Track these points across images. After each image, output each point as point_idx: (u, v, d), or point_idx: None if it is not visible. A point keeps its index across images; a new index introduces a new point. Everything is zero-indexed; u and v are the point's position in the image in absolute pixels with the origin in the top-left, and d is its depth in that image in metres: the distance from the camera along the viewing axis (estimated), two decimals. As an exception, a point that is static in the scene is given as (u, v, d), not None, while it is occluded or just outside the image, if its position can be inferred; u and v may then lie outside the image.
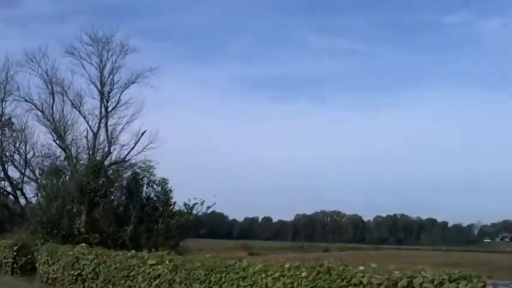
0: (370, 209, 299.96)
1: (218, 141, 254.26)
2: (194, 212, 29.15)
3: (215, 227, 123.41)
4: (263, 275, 12.77)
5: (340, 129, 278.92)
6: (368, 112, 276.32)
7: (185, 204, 28.90)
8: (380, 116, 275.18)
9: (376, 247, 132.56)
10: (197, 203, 28.82)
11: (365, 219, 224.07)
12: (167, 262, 15.97)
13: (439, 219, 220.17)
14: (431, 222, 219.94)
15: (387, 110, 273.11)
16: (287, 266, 12.68)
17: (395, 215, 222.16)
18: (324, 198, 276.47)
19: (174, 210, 29.00)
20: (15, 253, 25.95)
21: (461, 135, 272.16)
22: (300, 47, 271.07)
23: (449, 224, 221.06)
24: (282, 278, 12.26)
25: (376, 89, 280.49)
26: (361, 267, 11.32)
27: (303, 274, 11.84)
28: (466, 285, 8.96)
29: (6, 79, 41.28)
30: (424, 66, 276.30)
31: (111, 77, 40.88)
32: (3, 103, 41.92)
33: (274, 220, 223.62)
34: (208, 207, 29.15)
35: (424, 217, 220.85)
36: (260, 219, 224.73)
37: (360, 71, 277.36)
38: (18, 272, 25.48)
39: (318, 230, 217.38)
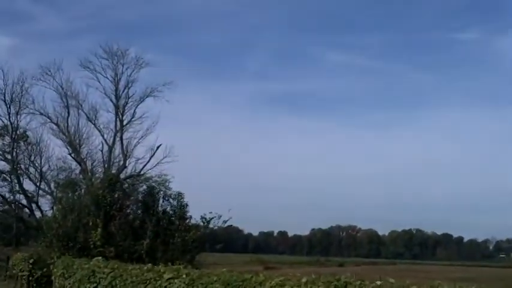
0: (385, 223, 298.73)
1: (233, 157, 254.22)
2: (210, 226, 29.18)
3: (231, 241, 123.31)
4: (280, 289, 12.69)
5: (357, 147, 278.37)
6: (384, 130, 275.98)
7: (202, 218, 28.96)
8: (396, 133, 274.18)
9: (391, 262, 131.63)
10: (214, 217, 28.89)
11: (380, 233, 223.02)
12: (184, 276, 15.90)
13: (455, 235, 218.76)
14: (447, 237, 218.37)
15: (403, 127, 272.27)
16: (304, 280, 12.58)
17: (410, 230, 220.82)
18: (340, 213, 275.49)
19: (190, 224, 29.04)
20: (31, 266, 26.08)
21: (477, 153, 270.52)
22: (316, 64, 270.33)
23: (465, 239, 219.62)
24: (299, 292, 12.18)
25: (393, 106, 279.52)
26: (378, 282, 11.22)
27: (320, 289, 11.76)
28: (485, 300, 8.88)
29: (21, 92, 41.85)
30: (440, 84, 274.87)
31: (126, 90, 41.41)
32: (18, 116, 42.50)
33: (290, 234, 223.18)
34: (225, 221, 29.20)
35: (439, 232, 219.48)
36: (275, 234, 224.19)
37: (377, 88, 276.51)
38: (34, 285, 25.61)
39: (334, 244, 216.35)
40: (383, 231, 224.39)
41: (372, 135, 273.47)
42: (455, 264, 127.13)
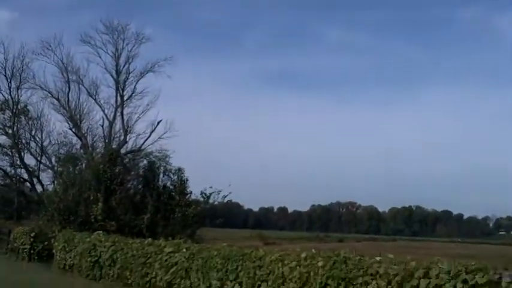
0: (385, 200, 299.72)
1: (234, 134, 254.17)
2: (210, 201, 29.29)
3: (231, 216, 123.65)
4: (280, 264, 12.75)
5: (357, 124, 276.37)
6: (385, 107, 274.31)
7: (202, 193, 29.05)
8: (396, 111, 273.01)
9: (391, 238, 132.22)
10: (214, 192, 28.98)
11: (380, 210, 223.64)
12: (184, 250, 16.02)
13: (455, 212, 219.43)
14: (447, 214, 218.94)
15: (403, 105, 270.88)
16: (303, 255, 12.65)
17: (410, 206, 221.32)
18: (340, 190, 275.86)
19: (190, 199, 29.13)
20: (32, 240, 26.24)
21: (477, 131, 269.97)
22: (316, 42, 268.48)
23: (465, 217, 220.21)
24: (298, 267, 12.24)
25: (393, 84, 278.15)
26: (378, 258, 11.27)
27: (320, 264, 11.81)
28: (483, 276, 8.90)
29: (22, 67, 41.54)
30: (440, 62, 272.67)
31: (126, 66, 41.15)
32: (19, 91, 42.24)
33: (290, 210, 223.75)
34: (225, 197, 29.30)
35: (439, 209, 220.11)
36: (275, 209, 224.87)
37: (377, 66, 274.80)
38: (36, 258, 25.77)
39: (334, 220, 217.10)
40: (383, 207, 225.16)
41: (372, 113, 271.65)
42: (455, 241, 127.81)
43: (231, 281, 13.83)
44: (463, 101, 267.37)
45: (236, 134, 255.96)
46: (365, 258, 11.50)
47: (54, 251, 24.11)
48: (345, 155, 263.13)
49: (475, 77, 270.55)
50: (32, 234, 26.43)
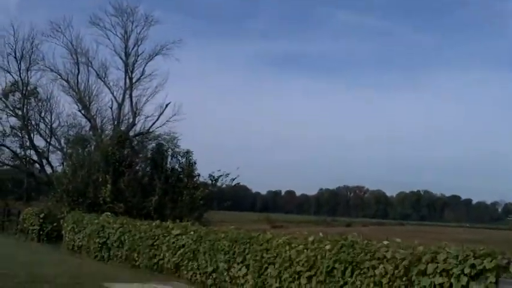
0: (393, 185, 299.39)
1: (241, 116, 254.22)
2: (218, 184, 29.34)
3: (238, 199, 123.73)
4: (287, 248, 12.76)
5: (362, 108, 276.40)
6: (391, 91, 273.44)
7: (210, 176, 29.10)
8: (402, 95, 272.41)
9: (399, 223, 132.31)
10: (221, 175, 29.03)
11: (388, 194, 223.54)
12: (191, 233, 16.06)
13: (463, 197, 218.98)
14: (455, 199, 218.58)
15: (409, 89, 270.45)
16: (311, 239, 12.65)
17: (418, 191, 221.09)
18: (347, 174, 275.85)
19: (198, 182, 29.19)
20: (41, 220, 26.40)
21: (482, 115, 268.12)
22: (322, 25, 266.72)
23: (473, 202, 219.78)
24: (305, 250, 12.24)
25: (397, 68, 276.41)
26: (385, 242, 11.25)
27: (327, 247, 11.80)
28: (491, 261, 8.84)
29: (32, 49, 41.71)
30: (444, 47, 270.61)
31: (135, 48, 41.21)
32: (29, 72, 42.42)
33: (298, 194, 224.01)
34: (232, 180, 29.35)
35: (447, 194, 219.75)
36: (283, 193, 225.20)
37: (382, 50, 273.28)
38: (45, 239, 25.95)
39: (341, 204, 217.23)
40: (391, 192, 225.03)
41: (378, 97, 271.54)
42: (463, 226, 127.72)
43: (238, 264, 13.86)
44: (471, 87, 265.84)
45: (243, 116, 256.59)
46: (372, 242, 11.48)
47: (63, 232, 24.27)
48: (351, 138, 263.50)
49: (477, 62, 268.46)
50: (41, 215, 26.59)
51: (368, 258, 10.82)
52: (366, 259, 10.82)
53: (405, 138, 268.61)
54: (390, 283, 10.18)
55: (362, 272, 10.74)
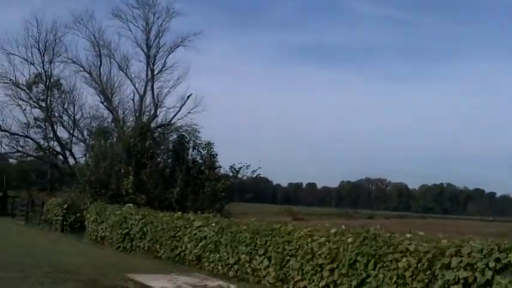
0: (415, 177, 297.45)
1: (262, 108, 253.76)
2: (239, 176, 29.34)
3: (259, 191, 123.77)
4: (309, 240, 12.72)
5: (387, 99, 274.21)
6: (414, 82, 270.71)
7: (231, 168, 29.10)
8: (425, 86, 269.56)
9: (421, 216, 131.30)
10: (243, 167, 29.02)
11: (410, 187, 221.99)
12: (213, 224, 16.07)
13: (487, 190, 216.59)
14: (479, 192, 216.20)
15: (432, 80, 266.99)
16: (333, 231, 12.60)
17: (441, 184, 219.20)
18: (369, 166, 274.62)
19: (219, 173, 29.23)
20: (64, 211, 26.67)
21: (504, 107, 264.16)
22: (346, 16, 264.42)
23: (497, 195, 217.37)
24: (327, 243, 12.19)
25: (422, 59, 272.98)
26: (408, 235, 11.17)
27: (349, 240, 11.74)
28: (516, 255, 8.75)
29: (55, 41, 42.11)
30: (469, 36, 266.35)
31: (157, 40, 41.36)
32: (52, 64, 42.79)
33: (319, 186, 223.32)
34: (253, 172, 29.31)
35: (471, 187, 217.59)
36: (304, 185, 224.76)
37: (406, 40, 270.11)
38: (68, 229, 26.23)
39: (363, 197, 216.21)
40: (413, 185, 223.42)
41: (401, 88, 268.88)
42: (486, 220, 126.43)
43: (259, 256, 13.85)
44: (495, 77, 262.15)
45: (264, 108, 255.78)
46: (395, 235, 11.40)
47: (86, 222, 24.47)
48: (374, 130, 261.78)
49: (503, 52, 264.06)
50: (65, 206, 26.84)
51: (391, 251, 10.74)
52: (388, 252, 10.74)
53: (429, 130, 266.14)
54: (413, 276, 10.11)
55: (385, 265, 10.68)
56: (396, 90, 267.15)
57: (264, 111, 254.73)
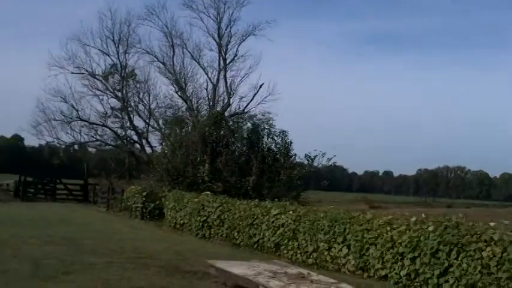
0: (495, 166, 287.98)
1: (335, 97, 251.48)
2: (315, 164, 29.22)
3: (335, 179, 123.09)
4: (388, 228, 12.55)
5: (460, 87, 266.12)
6: (488, 70, 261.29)
7: (306, 156, 29.02)
8: (496, 74, 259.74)
9: (502, 204, 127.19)
10: (318, 155, 28.87)
11: (491, 175, 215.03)
12: (291, 212, 16.09)
13: None
14: None
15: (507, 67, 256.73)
16: (413, 219, 12.39)
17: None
18: (447, 154, 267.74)
19: (294, 161, 29.20)
20: (144, 199, 27.25)
21: None
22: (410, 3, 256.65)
23: None
24: (408, 231, 11.99)
25: (494, 46, 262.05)
26: (492, 223, 10.84)
27: (430, 228, 11.51)
28: None
29: (129, 32, 43.01)
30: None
31: (228, 29, 41.42)
32: (127, 55, 43.74)
33: (395, 174, 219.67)
34: (329, 160, 29.12)
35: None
36: (381, 173, 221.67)
37: (475, 28, 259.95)
38: (148, 216, 26.77)
39: (441, 185, 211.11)
40: (494, 173, 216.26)
41: (475, 75, 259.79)
42: None
43: (338, 244, 13.78)
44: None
45: (338, 96, 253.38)
46: (478, 224, 11.09)
47: (164, 210, 24.99)
48: (451, 118, 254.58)
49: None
50: (144, 194, 27.44)
51: (474, 240, 10.46)
52: (472, 241, 10.46)
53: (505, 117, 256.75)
54: (498, 266, 9.81)
55: (468, 254, 10.39)
56: (466, 78, 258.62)
57: (338, 100, 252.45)
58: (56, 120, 43.63)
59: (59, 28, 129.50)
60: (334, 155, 28.93)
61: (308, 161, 29.26)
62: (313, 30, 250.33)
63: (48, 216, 26.05)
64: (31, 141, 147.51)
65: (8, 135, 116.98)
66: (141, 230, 22.41)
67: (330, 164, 30.28)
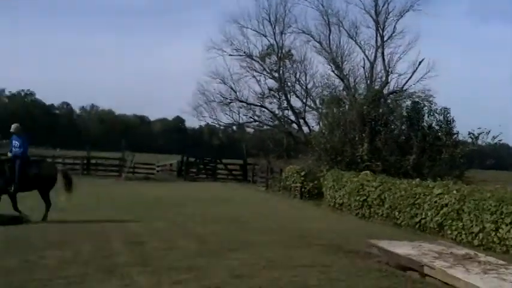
0: None
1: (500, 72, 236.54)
2: (479, 142, 28.01)
3: (500, 158, 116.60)
4: None
5: None
6: None
7: (469, 134, 27.90)
8: None
9: None
10: (482, 133, 27.66)
11: None
12: (454, 192, 15.57)
13: None
14: None
15: None
16: None
17: None
18: None
19: (457, 139, 28.18)
20: (302, 178, 27.69)
21: None
22: None
23: None
24: None
25: None
26: None
27: None
28: None
29: (285, 12, 43.58)
30: None
31: (385, 5, 40.54)
32: (283, 35, 44.32)
33: None
34: (494, 138, 27.82)
35: None
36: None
37: None
38: (306, 196, 27.18)
39: None
40: None
41: None
42: None
43: (506, 225, 13.15)
44: None
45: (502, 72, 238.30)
46: None
47: (323, 189, 25.22)
48: None
49: None
50: (302, 174, 27.88)
51: None
52: None
53: None
54: None
55: None
56: None
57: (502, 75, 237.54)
58: (215, 101, 45.48)
59: (218, 12, 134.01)
60: (500, 133, 27.58)
61: (472, 139, 28.13)
62: (468, 3, 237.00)
63: (211, 196, 27.34)
64: (192, 122, 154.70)
65: (170, 117, 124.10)
66: (300, 209, 22.83)
67: (495, 142, 28.91)
